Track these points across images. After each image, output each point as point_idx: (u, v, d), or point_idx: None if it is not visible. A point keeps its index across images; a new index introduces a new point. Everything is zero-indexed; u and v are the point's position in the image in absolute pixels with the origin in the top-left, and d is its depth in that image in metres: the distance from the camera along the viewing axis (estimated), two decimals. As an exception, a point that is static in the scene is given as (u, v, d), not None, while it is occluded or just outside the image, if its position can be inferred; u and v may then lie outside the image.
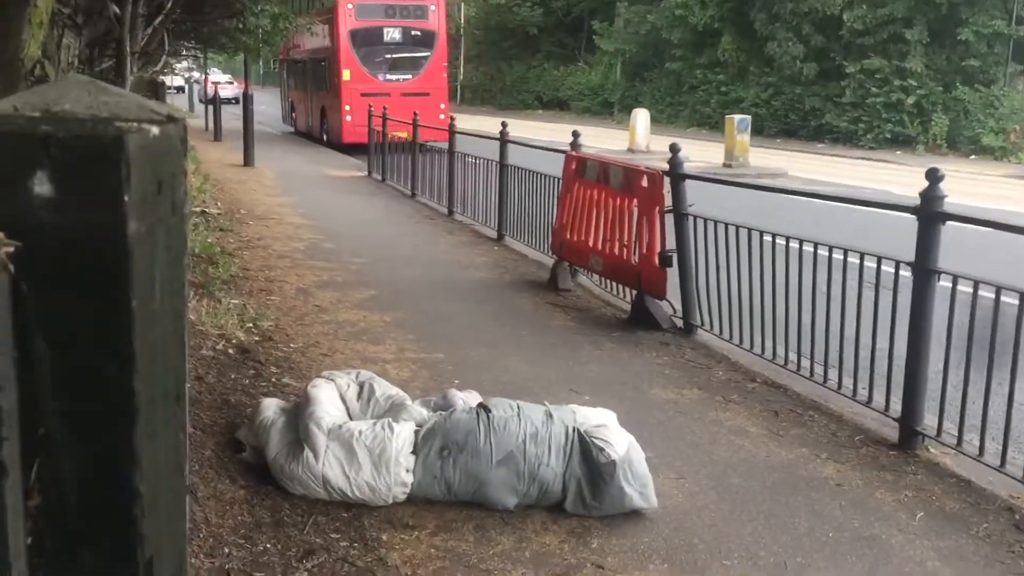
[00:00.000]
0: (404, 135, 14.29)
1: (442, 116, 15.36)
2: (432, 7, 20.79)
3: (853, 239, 5.87)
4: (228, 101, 31.07)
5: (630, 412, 5.01)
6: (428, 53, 19.62)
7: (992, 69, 26.96)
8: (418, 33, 20.55)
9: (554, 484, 3.93)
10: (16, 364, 0.52)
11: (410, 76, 20.43)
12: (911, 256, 4.85)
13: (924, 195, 4.77)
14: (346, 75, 18.19)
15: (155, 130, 0.57)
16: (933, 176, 4.77)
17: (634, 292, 7.37)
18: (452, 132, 12.61)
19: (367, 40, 18.18)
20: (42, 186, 0.52)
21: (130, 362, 0.54)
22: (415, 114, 13.73)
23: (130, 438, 0.55)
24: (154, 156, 0.57)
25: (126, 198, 0.52)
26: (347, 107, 14.03)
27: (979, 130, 26.25)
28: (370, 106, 15.45)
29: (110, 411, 0.55)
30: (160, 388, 0.60)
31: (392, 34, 19.23)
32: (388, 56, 19.96)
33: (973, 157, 25.47)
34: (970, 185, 17.51)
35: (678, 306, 7.09)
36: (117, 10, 3.31)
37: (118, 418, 0.55)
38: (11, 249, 0.50)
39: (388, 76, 20.12)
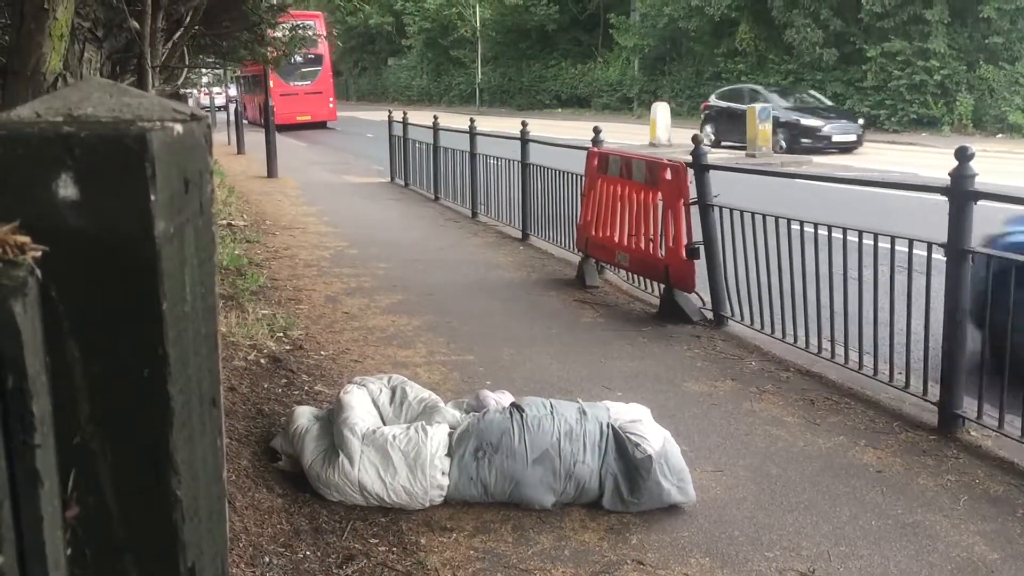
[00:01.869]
0: (308, 117, 26.65)
1: (330, 106, 25.52)
2: (321, 42, 29.78)
3: (883, 223, 5.80)
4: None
5: (664, 406, 4.98)
6: (319, 68, 29.02)
7: (1016, 46, 26.58)
8: (312, 56, 29.79)
9: (591, 481, 3.91)
10: (48, 370, 0.51)
11: (309, 82, 31.33)
12: (943, 238, 4.79)
13: (954, 174, 4.70)
14: (271, 83, 25.66)
15: (179, 128, 0.56)
16: (963, 155, 4.70)
17: (662, 286, 7.33)
18: (473, 134, 12.62)
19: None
20: (67, 189, 0.51)
21: (163, 366, 0.53)
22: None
23: (167, 443, 0.54)
24: (179, 154, 0.56)
25: (152, 198, 0.51)
26: (272, 103, 20.33)
27: (1005, 108, 25.91)
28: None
29: (145, 416, 0.53)
30: (195, 391, 0.59)
31: (297, 59, 27.49)
32: (296, 71, 29.76)
33: (1000, 136, 25.14)
34: (998, 163, 17.28)
35: (707, 298, 7.04)
36: (137, 25, 3.32)
37: (154, 423, 0.54)
38: (38, 253, 0.49)
39: (296, 83, 30.99)
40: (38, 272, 0.49)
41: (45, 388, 0.50)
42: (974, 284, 4.74)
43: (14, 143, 0.50)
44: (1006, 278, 4.56)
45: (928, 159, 18.98)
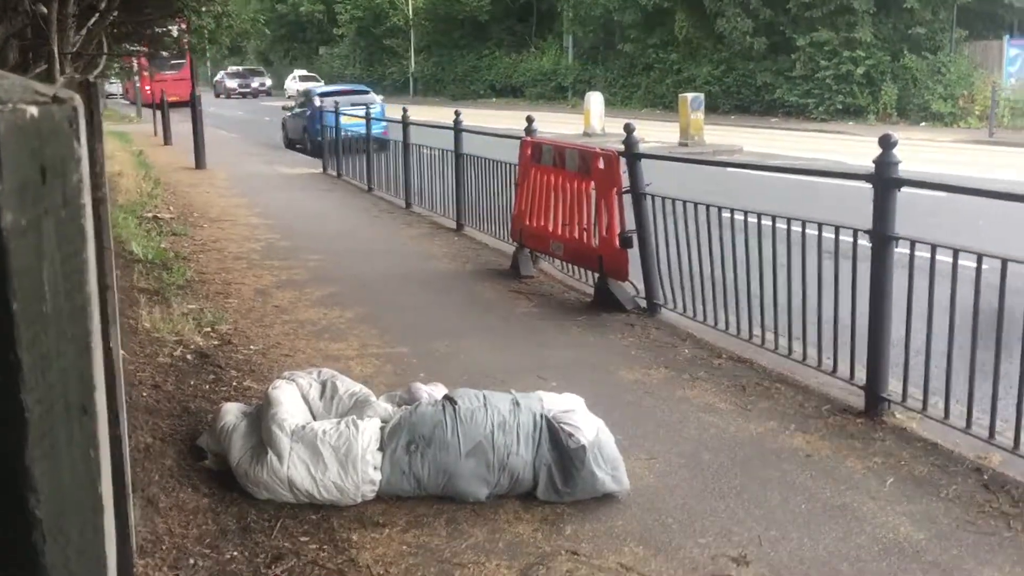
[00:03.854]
0: (175, 97, 27.55)
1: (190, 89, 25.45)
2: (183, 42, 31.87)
3: (810, 211, 5.87)
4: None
5: (598, 395, 4.98)
6: (184, 61, 29.17)
7: (938, 36, 27.30)
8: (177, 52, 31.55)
9: (524, 472, 3.89)
10: None
11: (176, 72, 34.89)
12: (868, 224, 4.87)
13: (878, 161, 4.78)
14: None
15: (33, 111, 0.51)
16: (886, 143, 4.78)
17: (596, 275, 7.35)
18: (405, 124, 12.50)
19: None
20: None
21: (15, 372, 0.48)
22: None
23: (21, 457, 0.49)
24: (34, 140, 0.51)
25: (-1, 187, 0.46)
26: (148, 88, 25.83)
27: (928, 97, 26.59)
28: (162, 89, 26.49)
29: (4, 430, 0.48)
30: (59, 399, 0.54)
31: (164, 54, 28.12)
32: (166, 63, 31.01)
33: (924, 124, 25.81)
34: (920, 151, 17.72)
35: (641, 287, 7.08)
36: (44, 9, 3.18)
37: (6, 436, 0.49)
38: None
39: (166, 72, 34.53)
40: None
41: None
42: None
43: None
44: None
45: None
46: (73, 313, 0.56)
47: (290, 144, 23.02)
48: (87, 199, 0.59)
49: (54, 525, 0.52)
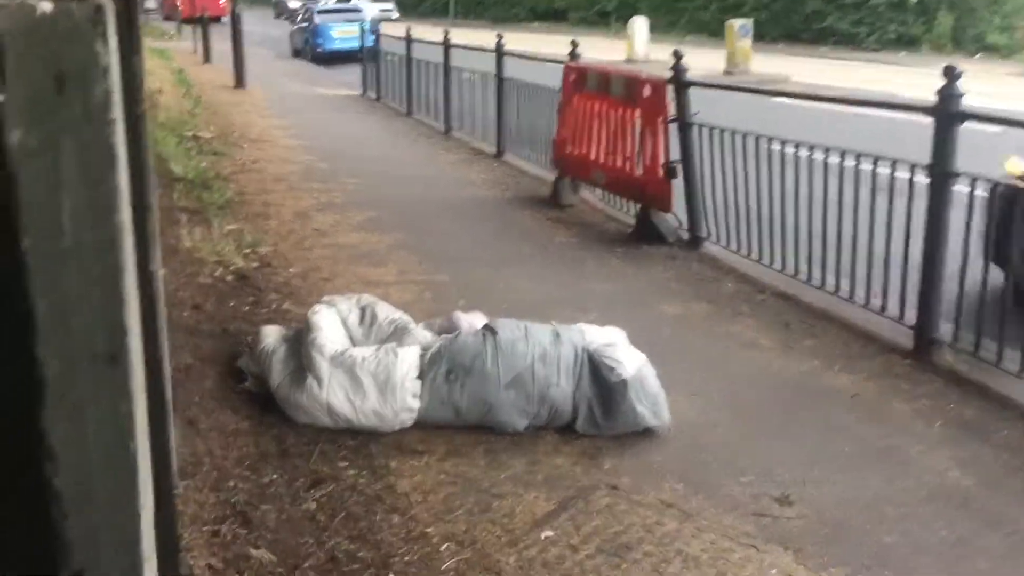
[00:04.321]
0: (207, 13, 23.93)
1: (221, 4, 26.12)
2: None
3: (861, 144, 5.65)
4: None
5: (638, 328, 4.89)
6: None
7: (999, -36, 26.17)
8: None
9: (564, 405, 3.84)
10: None
11: None
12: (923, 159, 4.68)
13: (941, 94, 4.56)
14: None
15: (45, 7, 0.42)
16: (951, 74, 4.56)
17: (638, 206, 7.20)
18: (447, 47, 12.25)
19: None
20: None
21: (27, 322, 0.41)
22: None
23: (37, 420, 0.42)
24: (47, 42, 0.42)
25: (1, 97, 0.38)
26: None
27: (984, 28, 25.61)
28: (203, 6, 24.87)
29: (8, 388, 0.41)
30: (83, 349, 0.46)
31: None
32: None
33: (979, 56, 24.91)
34: (976, 84, 17.13)
35: (684, 219, 6.93)
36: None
37: (18, 396, 0.41)
38: None
39: None
40: None
41: None
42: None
43: None
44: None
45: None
46: (99, 248, 0.48)
47: (296, 53, 26.47)
48: (117, 115, 0.51)
49: (78, 495, 0.44)
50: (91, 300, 0.48)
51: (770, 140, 5.96)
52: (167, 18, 38.32)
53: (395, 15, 41.87)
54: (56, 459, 0.43)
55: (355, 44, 19.45)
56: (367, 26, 15.94)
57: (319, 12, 25.10)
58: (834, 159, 5.46)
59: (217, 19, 31.41)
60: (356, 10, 26.85)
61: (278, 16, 51.66)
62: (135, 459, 0.53)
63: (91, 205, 0.47)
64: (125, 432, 0.52)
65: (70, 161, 0.45)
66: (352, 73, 19.21)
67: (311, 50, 24.64)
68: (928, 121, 4.70)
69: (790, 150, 5.80)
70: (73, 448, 0.44)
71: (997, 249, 4.64)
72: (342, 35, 22.72)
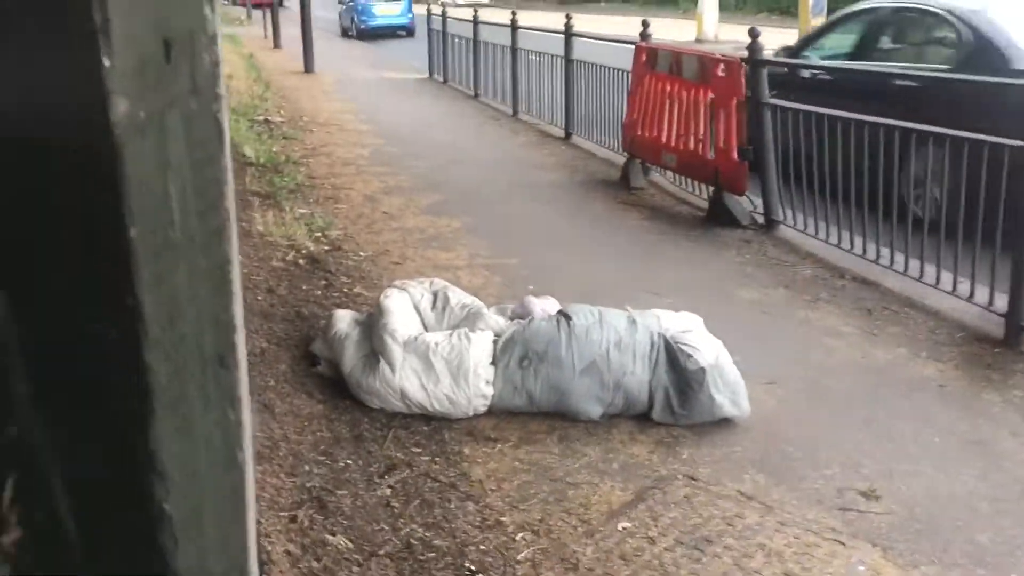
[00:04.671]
0: None
1: None
2: None
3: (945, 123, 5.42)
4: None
5: (713, 314, 4.76)
6: None
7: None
8: None
9: (640, 393, 3.76)
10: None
11: None
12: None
13: None
14: None
15: (154, -41, 0.36)
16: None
17: (711, 188, 7.05)
18: (514, 28, 12.16)
19: None
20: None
21: (135, 322, 0.35)
22: None
23: (145, 434, 0.36)
24: (154, 4, 0.37)
25: (106, 63, 0.32)
26: None
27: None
28: None
29: (111, 398, 0.36)
30: (193, 352, 0.41)
31: None
32: None
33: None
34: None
35: (758, 202, 6.76)
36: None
37: (124, 407, 0.36)
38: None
39: None
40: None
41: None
42: None
43: None
44: None
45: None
46: (208, 239, 0.43)
47: (344, 32, 28.74)
48: (223, 88, 0.45)
49: (188, 518, 0.39)
50: (199, 297, 0.42)
51: (853, 121, 5.76)
52: (235, 3, 38.80)
53: None
54: (167, 479, 0.37)
55: (396, 21, 26.26)
56: (408, 4, 18.61)
57: None
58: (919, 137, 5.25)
59: (281, 3, 31.94)
60: None
61: (341, 1, 51.44)
62: (244, 472, 0.48)
63: (199, 189, 0.42)
64: (234, 442, 0.47)
65: (177, 139, 0.39)
66: (412, 54, 19.26)
67: (356, 27, 27.31)
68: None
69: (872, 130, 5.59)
70: (183, 465, 0.39)
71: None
72: (384, 12, 26.88)
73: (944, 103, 5.75)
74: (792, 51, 8.34)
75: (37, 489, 0.36)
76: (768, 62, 6.78)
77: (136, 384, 0.36)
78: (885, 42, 7.51)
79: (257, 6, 30.70)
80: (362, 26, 27.27)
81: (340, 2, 31.21)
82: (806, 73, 7.65)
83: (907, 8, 7.33)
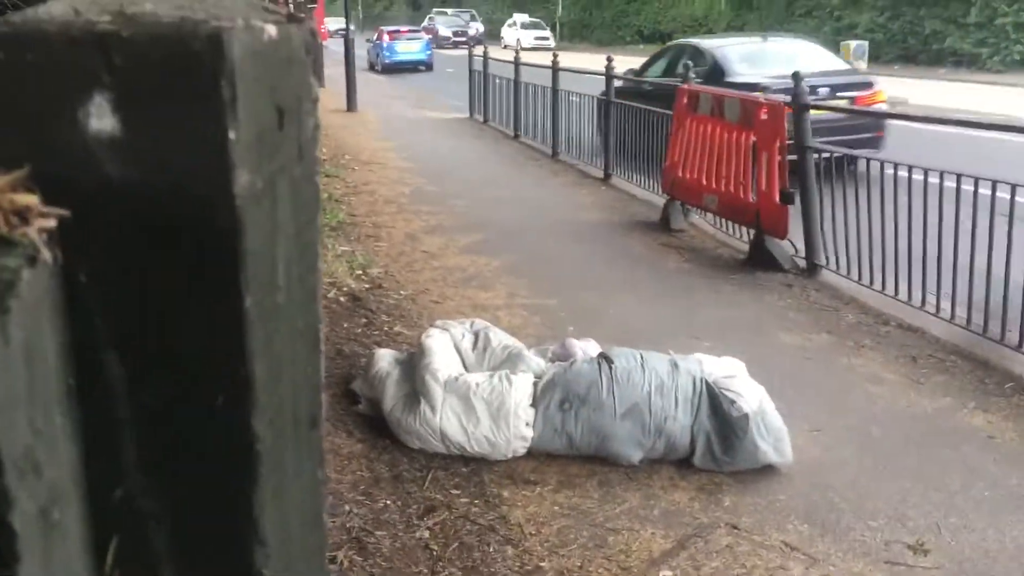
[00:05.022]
0: None
1: (321, 29, 25.57)
2: None
3: (988, 170, 5.36)
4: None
5: (754, 359, 4.72)
6: (315, 3, 30.34)
7: None
8: None
9: (681, 438, 3.72)
10: (74, 397, 0.33)
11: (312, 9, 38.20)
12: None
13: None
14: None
15: (271, 31, 0.37)
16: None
17: (752, 231, 7.01)
18: (556, 70, 12.26)
19: None
20: (102, 119, 0.33)
21: (245, 389, 0.35)
22: None
23: (248, 501, 0.36)
24: (272, 71, 0.37)
25: (232, 135, 0.33)
26: None
27: (1119, 48, 24.32)
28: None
29: (218, 464, 0.36)
30: (289, 416, 0.41)
31: None
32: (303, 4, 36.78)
33: (1112, 78, 23.61)
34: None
35: (800, 245, 6.71)
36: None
37: (231, 473, 0.36)
38: (52, 223, 0.31)
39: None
40: (57, 251, 0.31)
41: (71, 424, 0.33)
42: None
43: (22, 46, 0.32)
44: None
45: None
46: (306, 300, 0.43)
47: (371, 67, 31.23)
48: (320, 149, 0.46)
49: (281, 580, 0.39)
50: (297, 359, 0.42)
51: (896, 165, 5.72)
52: None
53: (551, 43, 41.58)
54: (267, 545, 0.37)
55: (415, 57, 30.50)
56: (427, 43, 20.15)
57: (387, 32, 31.80)
58: (966, 186, 5.20)
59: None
60: (416, 30, 34.27)
61: (368, 40, 51.73)
62: (324, 529, 0.48)
63: (301, 254, 0.42)
64: (319, 501, 0.47)
65: (285, 205, 0.40)
66: (452, 94, 19.48)
67: (380, 62, 30.27)
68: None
69: (916, 176, 5.54)
70: (279, 529, 0.39)
71: None
72: (405, 49, 30.65)
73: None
74: (636, 73, 12.40)
75: (140, 553, 0.37)
76: (812, 106, 6.76)
77: (241, 451, 0.36)
78: (675, 65, 11.07)
79: None
80: (386, 61, 30.37)
81: (368, 40, 33.48)
82: (646, 86, 11.16)
83: (686, 45, 12.47)
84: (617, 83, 10.54)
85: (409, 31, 33.74)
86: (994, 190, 4.99)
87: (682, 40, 15.04)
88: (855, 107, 8.02)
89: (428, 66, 31.13)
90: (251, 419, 0.36)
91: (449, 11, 51.72)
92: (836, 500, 3.52)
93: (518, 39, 39.18)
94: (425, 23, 47.96)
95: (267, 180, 0.36)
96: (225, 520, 0.36)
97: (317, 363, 0.45)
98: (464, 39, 43.09)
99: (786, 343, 5.24)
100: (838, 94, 9.11)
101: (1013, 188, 4.86)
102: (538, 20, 44.95)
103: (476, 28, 47.49)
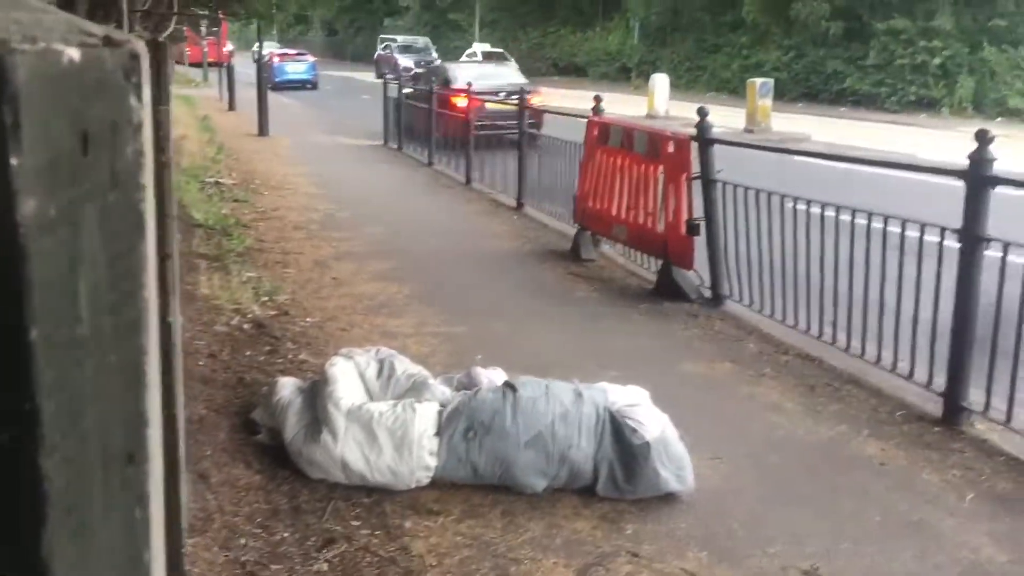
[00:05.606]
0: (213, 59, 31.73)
1: (225, 51, 30.47)
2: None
3: (883, 206, 5.58)
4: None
5: (660, 387, 4.78)
6: (219, 28, 31.92)
7: (1020, 28, 26.28)
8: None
9: (585, 466, 3.74)
10: None
11: (213, 38, 36.02)
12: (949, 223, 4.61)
13: (973, 158, 4.51)
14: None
15: (73, 54, 0.36)
16: (983, 138, 4.51)
17: (660, 262, 7.14)
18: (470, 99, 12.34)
19: None
20: None
21: (32, 426, 0.34)
22: None
23: (36, 545, 0.35)
24: (74, 95, 0.36)
25: (15, 161, 0.31)
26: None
27: (1006, 92, 25.65)
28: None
29: (7, 503, 0.34)
30: (96, 452, 0.39)
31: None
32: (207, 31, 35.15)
33: (1000, 120, 24.89)
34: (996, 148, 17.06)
35: (706, 276, 6.86)
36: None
37: (15, 516, 0.34)
38: None
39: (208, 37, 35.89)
40: None
41: None
42: None
43: None
44: None
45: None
46: (120, 332, 0.41)
47: (274, 87, 33.72)
48: (147, 178, 0.44)
49: (81, 630, 0.37)
50: (108, 394, 0.41)
51: (796, 199, 5.90)
52: (177, 62, 41.56)
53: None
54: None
55: (301, 76, 34.79)
56: (312, 64, 21.75)
57: (277, 54, 35.80)
58: (860, 220, 5.40)
59: (220, 64, 34.75)
60: (303, 53, 38.28)
61: (380, 76, 46.06)
62: (146, 570, 0.46)
63: (114, 284, 0.41)
64: (141, 542, 0.45)
65: (91, 234, 0.38)
66: (369, 121, 19.41)
67: (271, 80, 32.05)
68: (956, 184, 4.64)
69: (815, 210, 5.74)
70: (79, 571, 0.37)
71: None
72: (292, 70, 34.86)
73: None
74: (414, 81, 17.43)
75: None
76: (717, 140, 6.94)
77: (30, 490, 0.34)
78: (430, 78, 16.60)
79: (213, 65, 34.10)
80: (276, 79, 32.77)
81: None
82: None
83: (439, 67, 18.59)
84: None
85: (297, 54, 38.37)
86: (886, 224, 5.20)
87: (436, 64, 23.75)
88: (763, 144, 8.24)
89: (313, 84, 35.57)
90: (38, 457, 0.34)
91: (399, 38, 46.07)
92: (735, 527, 3.58)
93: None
94: (380, 51, 44.40)
95: (64, 208, 0.35)
96: (11, 562, 0.34)
97: (138, 396, 0.43)
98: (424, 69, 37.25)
99: (691, 372, 5.33)
100: (513, 96, 12.24)
101: (903, 223, 5.06)
102: (501, 51, 39.43)
103: (432, 58, 40.02)
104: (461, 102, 13.46)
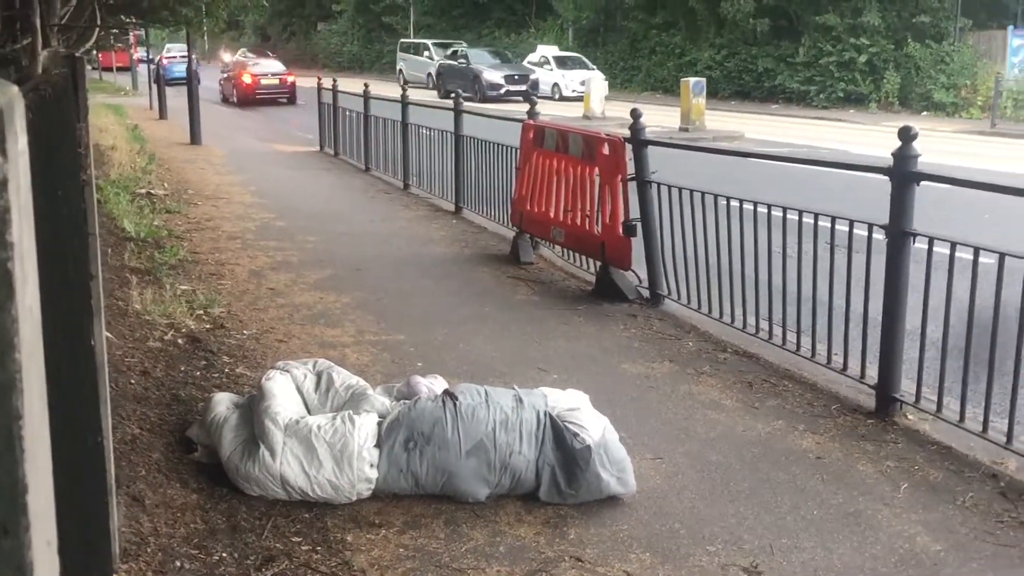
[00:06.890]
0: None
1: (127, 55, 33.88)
2: None
3: (814, 202, 5.69)
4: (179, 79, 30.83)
5: (600, 389, 4.83)
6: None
7: (942, 24, 27.06)
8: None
9: (527, 472, 3.74)
10: None
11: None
12: (877, 218, 4.72)
13: (898, 155, 4.61)
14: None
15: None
16: (906, 135, 4.61)
17: (598, 263, 7.18)
18: (405, 103, 12.28)
19: None
20: None
21: None
22: None
23: None
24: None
25: None
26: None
27: (930, 86, 26.38)
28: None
29: None
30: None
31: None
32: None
33: (925, 114, 25.59)
34: (922, 142, 17.53)
35: (644, 276, 6.92)
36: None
37: None
38: None
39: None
40: None
41: None
42: None
43: None
44: None
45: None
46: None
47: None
48: (18, 233, 0.42)
49: None
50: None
51: (729, 199, 5.98)
52: (93, 68, 42.13)
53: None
54: None
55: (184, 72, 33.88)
56: (193, 62, 23.73)
57: (166, 56, 36.60)
58: (792, 216, 5.49)
59: (125, 68, 38.68)
60: (184, 55, 39.38)
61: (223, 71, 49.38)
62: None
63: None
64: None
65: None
66: (304, 127, 19.23)
67: (164, 78, 32.39)
68: (883, 178, 4.74)
69: (748, 207, 5.82)
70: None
71: None
72: (179, 70, 33.88)
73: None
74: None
75: None
76: (651, 142, 6.99)
77: None
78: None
79: (122, 69, 36.22)
80: (167, 77, 32.66)
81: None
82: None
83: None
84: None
85: (181, 56, 39.68)
86: (816, 220, 5.31)
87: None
88: (697, 144, 8.34)
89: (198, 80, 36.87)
90: None
91: (431, 42, 39.71)
92: (676, 527, 3.61)
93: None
94: (445, 58, 36.92)
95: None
96: None
97: (13, 462, 0.41)
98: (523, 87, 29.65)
99: (630, 372, 5.37)
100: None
101: (833, 219, 5.16)
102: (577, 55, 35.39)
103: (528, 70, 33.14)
104: None
